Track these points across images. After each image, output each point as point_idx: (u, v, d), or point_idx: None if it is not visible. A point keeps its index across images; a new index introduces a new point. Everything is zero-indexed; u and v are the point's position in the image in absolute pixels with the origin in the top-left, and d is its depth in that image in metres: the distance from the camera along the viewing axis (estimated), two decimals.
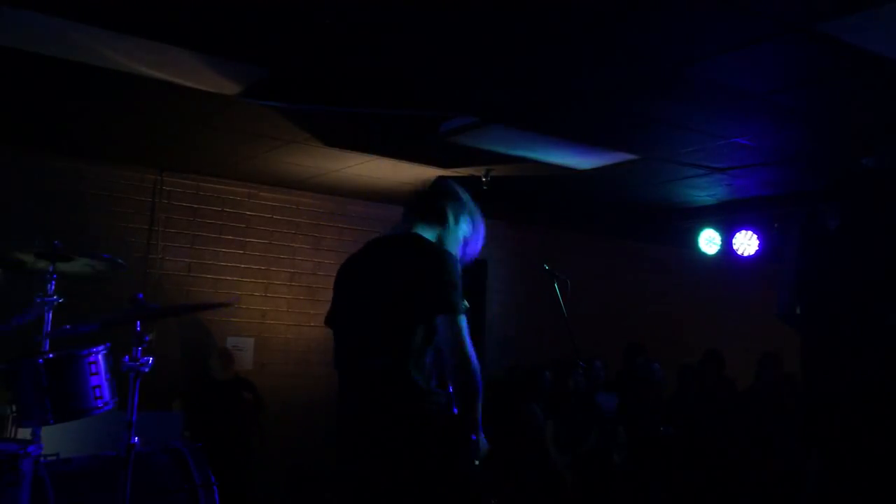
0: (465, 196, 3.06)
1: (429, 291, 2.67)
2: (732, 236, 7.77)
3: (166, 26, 3.80)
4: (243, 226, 7.10)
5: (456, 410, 2.65)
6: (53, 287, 3.56)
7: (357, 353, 2.79)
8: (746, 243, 7.68)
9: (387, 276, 2.78)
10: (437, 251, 2.79)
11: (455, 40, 3.88)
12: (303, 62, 4.24)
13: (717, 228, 7.97)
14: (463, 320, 2.65)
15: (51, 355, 3.24)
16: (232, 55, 4.14)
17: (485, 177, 6.32)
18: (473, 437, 2.65)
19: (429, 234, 2.91)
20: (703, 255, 8.15)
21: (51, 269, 3.57)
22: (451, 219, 2.96)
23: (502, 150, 5.77)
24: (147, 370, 3.11)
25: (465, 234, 3.00)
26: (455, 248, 2.96)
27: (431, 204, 2.97)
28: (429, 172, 6.50)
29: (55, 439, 3.41)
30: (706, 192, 6.99)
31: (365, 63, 4.22)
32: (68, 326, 3.26)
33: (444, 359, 2.66)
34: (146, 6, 3.60)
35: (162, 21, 3.74)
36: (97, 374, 3.26)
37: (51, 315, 3.55)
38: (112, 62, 4.22)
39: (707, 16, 3.50)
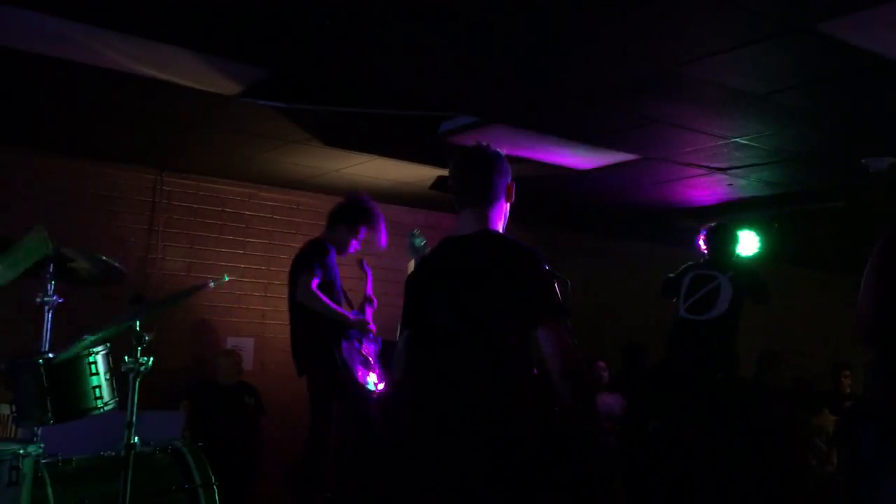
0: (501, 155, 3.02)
1: (529, 298, 2.57)
2: None
3: (166, 26, 3.80)
4: (243, 226, 7.09)
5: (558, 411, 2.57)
6: (53, 287, 3.55)
7: (450, 362, 2.67)
8: (746, 243, 7.66)
9: (477, 283, 2.66)
10: (526, 252, 2.67)
11: (455, 40, 3.88)
12: (303, 62, 4.24)
13: None
14: (568, 323, 2.57)
15: (50, 355, 3.23)
16: (232, 55, 4.14)
17: None
18: (593, 441, 2.56)
19: (495, 219, 2.90)
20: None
21: (51, 269, 3.56)
22: (509, 196, 2.99)
23: (502, 150, 5.75)
24: (147, 370, 3.11)
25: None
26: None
27: (490, 187, 2.97)
28: (429, 172, 6.50)
29: (55, 439, 3.40)
30: (706, 192, 6.99)
31: (365, 63, 4.22)
32: (86, 336, 3.24)
33: (552, 364, 2.54)
34: (146, 6, 3.61)
35: (162, 21, 3.74)
36: (97, 374, 3.25)
37: (51, 315, 3.54)
38: (112, 62, 4.22)
39: (707, 16, 3.50)
